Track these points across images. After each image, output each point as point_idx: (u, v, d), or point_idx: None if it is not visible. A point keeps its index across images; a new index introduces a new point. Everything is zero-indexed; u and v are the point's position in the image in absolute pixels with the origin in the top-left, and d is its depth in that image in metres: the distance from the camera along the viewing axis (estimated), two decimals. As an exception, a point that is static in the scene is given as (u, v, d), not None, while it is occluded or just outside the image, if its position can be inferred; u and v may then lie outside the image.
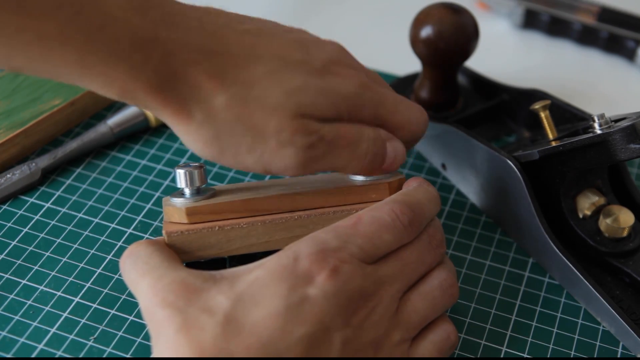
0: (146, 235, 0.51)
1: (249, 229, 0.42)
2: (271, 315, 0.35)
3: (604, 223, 0.48)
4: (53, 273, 0.48)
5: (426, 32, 0.53)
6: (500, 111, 0.59)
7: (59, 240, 0.50)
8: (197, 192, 0.43)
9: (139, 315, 0.46)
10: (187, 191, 0.43)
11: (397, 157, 0.44)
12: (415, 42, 0.54)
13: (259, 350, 0.34)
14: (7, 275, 0.48)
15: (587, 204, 0.49)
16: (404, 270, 0.40)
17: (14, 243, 0.50)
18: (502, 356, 0.45)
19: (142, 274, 0.39)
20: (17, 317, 0.46)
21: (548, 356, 0.45)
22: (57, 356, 0.44)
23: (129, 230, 0.51)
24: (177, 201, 0.43)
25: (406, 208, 0.41)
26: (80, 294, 0.47)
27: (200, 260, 0.43)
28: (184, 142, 0.40)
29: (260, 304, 0.36)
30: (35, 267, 0.48)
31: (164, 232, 0.42)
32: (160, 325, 0.36)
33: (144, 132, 0.58)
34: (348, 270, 0.37)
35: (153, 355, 0.36)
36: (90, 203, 0.53)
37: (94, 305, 0.47)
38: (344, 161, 0.42)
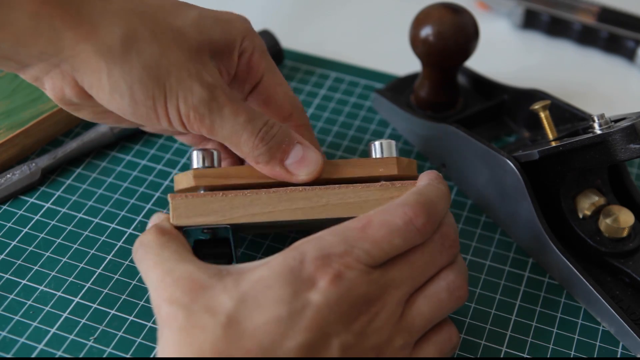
0: (146, 235, 0.51)
1: (253, 197, 0.42)
2: (272, 321, 0.35)
3: (604, 223, 0.48)
4: (53, 273, 0.48)
5: (426, 32, 0.53)
6: (500, 111, 0.59)
7: (59, 241, 0.50)
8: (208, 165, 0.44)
9: (139, 315, 0.46)
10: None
11: (306, 161, 0.43)
12: (415, 42, 0.54)
13: (258, 355, 0.34)
14: (7, 275, 0.48)
15: (587, 204, 0.49)
16: (412, 273, 0.39)
17: (14, 243, 0.50)
18: (502, 356, 0.45)
19: (152, 265, 0.39)
20: (17, 317, 0.46)
21: (548, 356, 0.45)
22: (57, 356, 0.44)
23: (129, 230, 0.51)
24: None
25: (420, 210, 0.39)
26: (80, 294, 0.47)
27: (205, 239, 0.43)
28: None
29: (262, 307, 0.35)
30: (35, 267, 0.48)
31: (169, 196, 0.42)
32: (165, 321, 0.36)
33: (144, 132, 0.58)
34: (352, 276, 0.37)
35: (157, 349, 0.36)
36: (90, 203, 0.53)
37: (94, 305, 0.47)
38: (237, 126, 0.42)
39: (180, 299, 0.36)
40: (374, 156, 0.45)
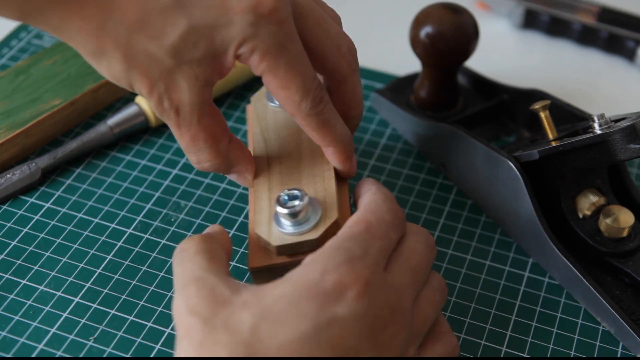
0: (146, 236, 0.51)
1: None
2: (299, 338, 0.34)
3: (604, 223, 0.48)
4: (53, 273, 0.48)
5: (426, 32, 0.53)
6: (500, 111, 0.59)
7: (59, 240, 0.50)
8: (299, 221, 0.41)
9: (138, 315, 0.46)
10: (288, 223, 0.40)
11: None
12: (415, 42, 0.54)
13: None
14: (7, 275, 0.48)
15: (587, 204, 0.49)
16: (414, 277, 0.39)
17: (14, 243, 0.50)
18: (502, 356, 0.45)
19: (182, 270, 0.38)
20: (17, 317, 0.46)
21: (548, 356, 0.45)
22: (57, 356, 0.44)
23: (129, 230, 0.51)
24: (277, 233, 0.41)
25: (396, 204, 0.40)
26: (80, 294, 0.47)
27: None
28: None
29: (287, 324, 0.34)
30: (35, 267, 0.48)
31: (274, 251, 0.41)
32: (185, 332, 0.35)
33: (144, 132, 0.58)
34: (376, 283, 0.36)
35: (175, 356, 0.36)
36: (90, 203, 0.53)
37: (94, 305, 0.47)
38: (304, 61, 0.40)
39: (202, 312, 0.35)
40: None
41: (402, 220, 0.40)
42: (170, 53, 0.38)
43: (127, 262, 0.49)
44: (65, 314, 0.46)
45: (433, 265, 0.50)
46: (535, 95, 0.56)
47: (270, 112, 0.48)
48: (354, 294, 0.35)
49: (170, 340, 0.45)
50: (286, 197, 0.40)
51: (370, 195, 0.41)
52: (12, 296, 0.47)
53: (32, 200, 0.53)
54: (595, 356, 0.45)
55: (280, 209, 0.40)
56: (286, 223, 0.40)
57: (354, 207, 0.43)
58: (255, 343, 0.33)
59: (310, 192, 0.42)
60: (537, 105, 0.50)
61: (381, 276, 0.37)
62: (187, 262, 0.38)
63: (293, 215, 0.40)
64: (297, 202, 0.40)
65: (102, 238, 0.50)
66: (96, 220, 0.52)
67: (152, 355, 0.44)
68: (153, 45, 0.38)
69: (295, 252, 0.40)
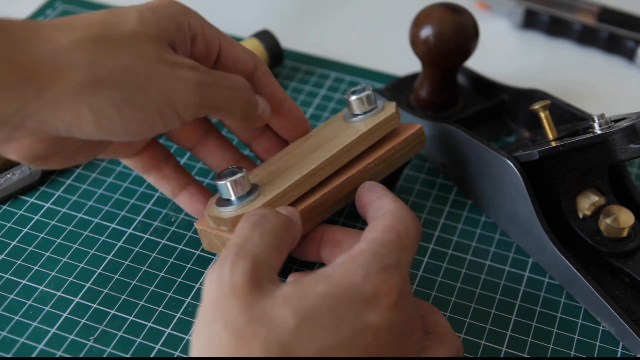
0: (146, 235, 0.51)
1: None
2: (337, 345, 0.33)
3: (604, 223, 0.48)
4: (53, 273, 0.48)
5: (426, 32, 0.53)
6: (500, 111, 0.59)
7: (59, 240, 0.50)
8: (242, 196, 0.43)
9: (139, 315, 0.46)
10: (233, 200, 0.43)
11: (266, 106, 0.46)
12: (415, 42, 0.54)
13: None
14: (7, 275, 0.48)
15: (587, 204, 0.49)
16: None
17: (14, 243, 0.50)
18: (502, 356, 0.45)
19: (247, 241, 0.37)
20: (17, 317, 0.46)
21: (548, 356, 0.45)
22: (57, 356, 0.44)
23: (129, 230, 0.51)
24: (225, 210, 0.43)
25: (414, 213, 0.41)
26: (80, 294, 0.47)
27: None
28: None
29: (328, 329, 0.33)
30: (35, 267, 0.48)
31: (224, 236, 0.43)
32: (223, 313, 0.34)
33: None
34: (406, 292, 0.36)
35: (193, 331, 0.35)
36: (90, 203, 0.53)
37: (94, 305, 0.47)
38: (236, 84, 0.43)
39: (244, 296, 0.34)
40: (355, 111, 0.48)
41: (421, 232, 0.41)
42: None
43: (127, 262, 0.49)
44: (65, 314, 0.46)
45: (434, 265, 0.50)
46: (535, 95, 0.56)
47: None
48: (389, 303, 0.35)
49: (171, 340, 0.45)
50: (226, 172, 0.43)
51: (389, 202, 0.41)
52: (12, 296, 0.47)
53: (32, 200, 0.53)
54: (595, 356, 0.45)
55: (216, 180, 0.43)
56: (224, 195, 0.43)
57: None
58: (294, 344, 0.33)
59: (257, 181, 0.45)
60: (537, 105, 0.50)
61: (409, 286, 0.37)
62: (257, 234, 0.37)
63: (221, 188, 0.43)
64: (225, 179, 0.43)
65: (102, 238, 0.50)
66: (96, 220, 0.52)
67: (152, 355, 0.44)
68: None
69: (219, 226, 0.43)
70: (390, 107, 0.48)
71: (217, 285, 0.35)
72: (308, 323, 0.33)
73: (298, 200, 0.44)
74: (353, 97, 0.48)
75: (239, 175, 0.43)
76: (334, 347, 0.33)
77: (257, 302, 0.34)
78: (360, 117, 0.48)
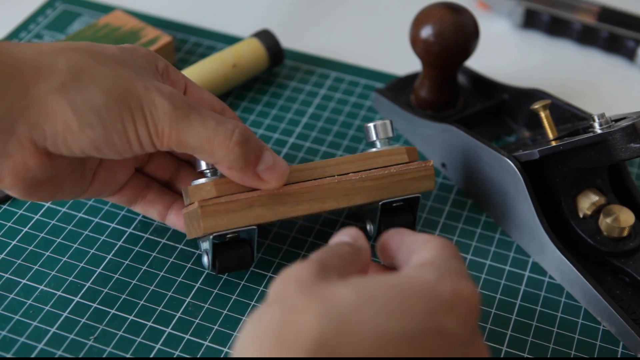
0: (146, 235, 0.51)
1: (285, 196, 0.44)
2: (400, 334, 0.30)
3: (604, 223, 0.48)
4: (53, 273, 0.48)
5: (426, 32, 0.53)
6: (500, 111, 0.59)
7: (59, 240, 0.50)
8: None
9: (139, 315, 0.46)
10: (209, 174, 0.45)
11: (277, 167, 0.43)
12: (415, 42, 0.54)
13: None
14: (7, 275, 0.48)
15: (587, 203, 0.49)
16: None
17: (14, 243, 0.50)
18: (502, 356, 0.45)
19: (324, 256, 0.35)
20: (17, 317, 0.46)
21: (548, 356, 0.45)
22: (57, 356, 0.44)
23: (129, 230, 0.51)
24: (202, 180, 0.44)
25: None
26: (80, 294, 0.47)
27: (222, 242, 0.46)
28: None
29: (393, 315, 0.30)
30: (35, 267, 0.48)
31: (197, 203, 0.43)
32: (280, 296, 0.32)
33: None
34: (479, 309, 0.33)
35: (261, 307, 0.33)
36: (90, 203, 0.53)
37: (94, 305, 0.47)
38: (208, 131, 0.40)
39: (304, 280, 0.32)
40: (373, 137, 0.48)
41: None
42: None
43: (127, 262, 0.49)
44: (65, 314, 0.46)
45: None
46: (535, 95, 0.56)
47: None
48: (468, 311, 0.32)
49: (171, 340, 0.45)
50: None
51: (423, 235, 0.38)
52: (12, 296, 0.47)
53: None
54: (595, 356, 0.45)
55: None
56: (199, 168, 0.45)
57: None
58: (351, 321, 0.30)
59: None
60: (537, 105, 0.50)
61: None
62: (328, 255, 0.35)
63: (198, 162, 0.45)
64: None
65: (102, 238, 0.50)
66: (96, 220, 0.51)
67: (152, 355, 0.44)
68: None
69: (192, 199, 0.44)
70: (403, 149, 0.48)
71: (282, 279, 0.33)
72: (371, 303, 0.31)
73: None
74: (370, 124, 0.48)
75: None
76: (397, 335, 0.30)
77: (319, 286, 0.32)
78: (377, 142, 0.48)
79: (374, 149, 0.48)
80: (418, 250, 0.36)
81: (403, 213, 0.49)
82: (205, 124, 0.40)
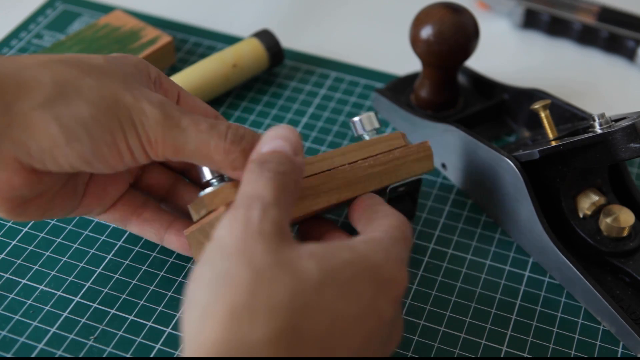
0: (146, 235, 0.51)
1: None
2: (350, 317, 0.33)
3: (604, 222, 0.48)
4: (53, 273, 0.48)
5: (426, 32, 0.53)
6: (500, 111, 0.59)
7: (59, 240, 0.50)
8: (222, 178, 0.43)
9: (139, 315, 0.46)
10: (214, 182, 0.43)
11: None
12: (415, 42, 0.54)
13: (324, 349, 0.32)
14: (7, 275, 0.48)
15: (587, 203, 0.49)
16: None
17: (14, 243, 0.50)
18: (502, 356, 0.45)
19: (259, 186, 0.36)
20: (17, 317, 0.46)
21: (548, 356, 0.45)
22: (57, 356, 0.44)
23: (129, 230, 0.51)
24: (211, 189, 0.42)
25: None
26: (80, 294, 0.47)
27: None
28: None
29: (347, 298, 0.33)
30: (35, 267, 0.48)
31: (223, 207, 0.41)
32: (249, 255, 0.33)
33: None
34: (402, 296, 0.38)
35: (202, 258, 0.34)
36: (90, 203, 0.53)
37: (94, 305, 0.47)
38: (202, 135, 0.39)
39: (269, 240, 0.34)
40: (360, 131, 0.49)
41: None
42: None
43: (127, 262, 0.49)
44: (65, 314, 0.46)
45: (434, 265, 0.50)
46: (535, 95, 0.56)
47: None
48: (396, 295, 0.36)
49: (171, 340, 0.45)
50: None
51: (389, 208, 0.42)
52: (12, 296, 0.47)
53: (32, 199, 0.53)
54: (595, 356, 0.45)
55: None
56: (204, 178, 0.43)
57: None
58: (316, 301, 0.32)
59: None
60: (537, 105, 0.50)
61: None
62: (281, 176, 0.37)
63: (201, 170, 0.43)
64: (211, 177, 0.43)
65: (102, 237, 0.50)
66: (96, 219, 0.51)
67: (152, 355, 0.44)
68: None
69: (199, 212, 0.42)
70: (399, 133, 0.49)
71: (242, 227, 0.34)
72: (331, 284, 0.33)
73: None
74: (355, 118, 0.49)
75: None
76: (347, 318, 0.33)
77: (283, 249, 0.34)
78: (365, 134, 0.49)
79: (374, 137, 0.48)
80: (375, 222, 0.40)
81: (405, 199, 0.51)
82: (199, 128, 0.39)
